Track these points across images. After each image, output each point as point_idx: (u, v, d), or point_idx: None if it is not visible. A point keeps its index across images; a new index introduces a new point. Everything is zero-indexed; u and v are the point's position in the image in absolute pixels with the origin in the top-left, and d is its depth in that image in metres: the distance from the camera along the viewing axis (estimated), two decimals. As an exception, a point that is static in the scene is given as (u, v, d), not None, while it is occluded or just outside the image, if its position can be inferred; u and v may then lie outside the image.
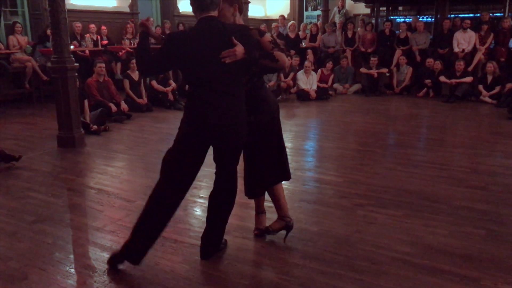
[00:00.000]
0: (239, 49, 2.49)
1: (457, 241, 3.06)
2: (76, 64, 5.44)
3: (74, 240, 3.16)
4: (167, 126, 6.69)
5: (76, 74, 5.54)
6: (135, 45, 2.65)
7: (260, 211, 3.21)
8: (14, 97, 8.53)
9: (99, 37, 9.52)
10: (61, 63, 5.25)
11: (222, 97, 2.59)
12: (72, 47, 5.88)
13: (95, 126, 6.17)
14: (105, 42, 9.66)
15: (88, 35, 9.23)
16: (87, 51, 9.04)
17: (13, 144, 5.51)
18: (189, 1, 2.64)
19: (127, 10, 10.57)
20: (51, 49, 5.69)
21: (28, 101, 8.50)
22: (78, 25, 9.08)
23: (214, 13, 2.60)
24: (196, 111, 2.61)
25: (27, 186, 4.17)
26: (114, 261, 2.74)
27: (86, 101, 6.45)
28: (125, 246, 2.71)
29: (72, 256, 2.93)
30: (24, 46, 8.39)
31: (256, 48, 2.61)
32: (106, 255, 2.86)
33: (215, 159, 2.85)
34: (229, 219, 3.42)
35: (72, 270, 2.75)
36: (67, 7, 5.31)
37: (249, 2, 8.37)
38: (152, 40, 3.35)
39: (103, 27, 9.71)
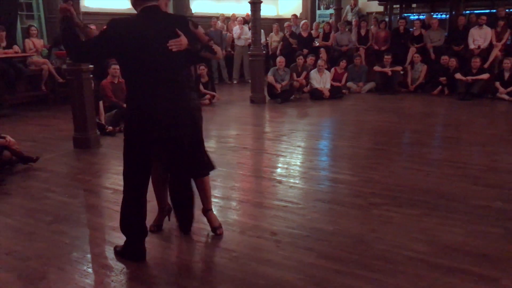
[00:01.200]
0: (184, 39, 2.58)
1: (474, 240, 3.02)
2: (90, 66, 5.51)
3: (91, 240, 3.20)
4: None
5: (91, 76, 5.60)
6: (63, 33, 2.64)
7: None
8: (30, 99, 8.67)
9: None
10: (76, 65, 5.32)
11: (168, 85, 2.61)
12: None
13: (110, 127, 6.23)
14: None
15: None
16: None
17: (30, 145, 5.60)
18: None
19: (140, 11, 10.64)
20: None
21: (44, 103, 8.63)
22: (92, 27, 9.13)
23: (156, 3, 2.62)
24: (142, 101, 2.59)
25: (44, 187, 4.24)
26: (118, 254, 2.88)
27: (101, 103, 6.52)
28: (124, 248, 2.84)
29: (89, 255, 2.97)
30: (40, 49, 8.51)
31: (195, 39, 2.71)
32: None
33: (163, 159, 2.88)
34: (244, 218, 3.46)
35: (90, 270, 2.78)
36: (82, 9, 5.38)
37: (261, 1, 8.36)
38: None
39: (117, 29, 9.79)
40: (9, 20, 8.25)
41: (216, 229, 3.15)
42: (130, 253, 2.83)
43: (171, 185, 3.07)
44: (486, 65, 9.02)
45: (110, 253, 2.95)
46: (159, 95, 2.58)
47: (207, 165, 3.15)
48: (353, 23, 11.45)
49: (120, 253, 2.88)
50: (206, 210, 3.20)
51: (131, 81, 2.65)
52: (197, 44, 2.69)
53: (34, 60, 8.40)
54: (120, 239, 3.09)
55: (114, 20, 2.58)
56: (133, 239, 2.81)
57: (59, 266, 2.80)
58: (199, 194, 3.17)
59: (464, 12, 11.10)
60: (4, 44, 7.82)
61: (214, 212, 3.25)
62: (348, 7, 13.27)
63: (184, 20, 2.73)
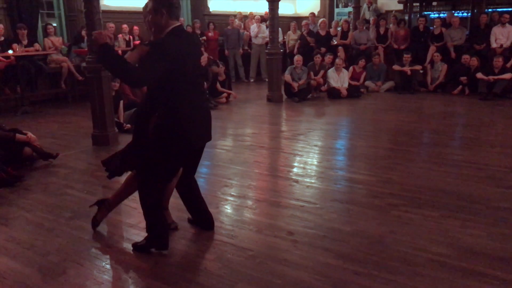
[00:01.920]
0: (205, 57, 2.88)
1: (496, 243, 2.96)
2: (110, 64, 5.55)
3: (109, 237, 3.23)
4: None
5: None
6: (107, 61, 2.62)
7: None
8: (51, 97, 8.82)
9: (131, 37, 9.70)
10: (95, 63, 5.37)
11: (202, 97, 2.97)
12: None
13: (128, 125, 6.29)
14: (138, 42, 9.82)
15: (121, 35, 9.42)
16: (120, 51, 9.21)
17: (50, 142, 5.69)
18: (167, 8, 2.63)
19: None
20: (86, 49, 5.83)
21: (64, 101, 8.77)
22: (111, 25, 9.27)
23: (180, 23, 2.78)
24: (189, 115, 2.74)
25: (64, 183, 4.30)
26: (138, 250, 2.94)
27: (121, 102, 6.58)
28: (147, 240, 2.92)
29: (107, 252, 3.00)
30: (59, 47, 8.63)
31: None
32: (140, 252, 2.93)
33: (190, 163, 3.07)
34: (260, 217, 3.45)
35: (108, 266, 2.81)
36: (101, 8, 5.43)
37: (279, 0, 8.33)
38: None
39: (136, 27, 9.88)
40: (30, 18, 8.39)
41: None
42: (156, 242, 2.90)
43: (182, 189, 3.18)
44: (508, 65, 8.83)
45: (128, 249, 2.97)
46: (199, 106, 2.84)
47: None
48: (371, 21, 11.33)
49: (143, 246, 2.91)
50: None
51: (175, 94, 2.69)
52: (212, 63, 3.02)
53: (54, 58, 8.54)
54: (138, 236, 3.12)
55: (168, 40, 2.63)
56: (160, 231, 2.89)
57: (78, 261, 2.83)
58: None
59: (486, 10, 10.88)
60: (25, 42, 7.96)
61: (230, 210, 3.26)
62: (365, 6, 13.13)
63: (199, 40, 3.01)
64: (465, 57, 9.07)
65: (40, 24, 8.88)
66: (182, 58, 2.64)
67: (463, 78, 8.98)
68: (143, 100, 2.97)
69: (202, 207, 3.23)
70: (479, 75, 8.65)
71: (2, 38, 7.78)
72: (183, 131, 2.71)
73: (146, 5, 2.73)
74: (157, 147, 2.73)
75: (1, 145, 4.43)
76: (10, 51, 7.48)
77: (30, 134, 4.79)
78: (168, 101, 2.70)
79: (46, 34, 8.63)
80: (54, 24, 9.19)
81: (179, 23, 2.73)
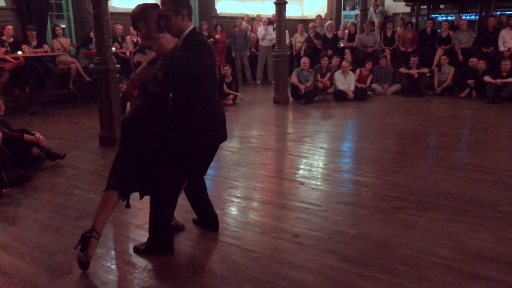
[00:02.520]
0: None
1: (503, 247, 2.94)
2: (118, 65, 5.60)
3: (115, 237, 3.25)
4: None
5: (123, 76, 5.70)
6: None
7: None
8: (59, 97, 8.89)
9: (139, 39, 9.74)
10: (103, 64, 5.42)
11: (218, 104, 3.00)
12: (113, 49, 6.09)
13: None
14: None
15: (128, 37, 9.47)
16: (127, 53, 9.27)
17: (58, 142, 5.73)
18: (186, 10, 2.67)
19: (167, 12, 10.74)
20: (94, 51, 5.88)
21: (72, 101, 8.84)
22: (119, 27, 9.33)
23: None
24: (205, 114, 2.78)
25: (71, 183, 4.33)
26: (139, 253, 2.95)
27: (129, 103, 6.62)
28: (151, 243, 2.93)
29: (113, 252, 3.02)
30: (68, 48, 8.70)
31: None
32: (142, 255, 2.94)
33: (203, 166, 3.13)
34: (266, 219, 3.46)
35: (114, 266, 2.83)
36: (109, 9, 5.47)
37: (286, 2, 8.34)
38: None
39: (144, 29, 9.91)
40: (40, 20, 8.47)
41: None
42: (161, 248, 2.92)
43: (190, 190, 3.17)
44: (516, 68, 8.77)
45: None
46: (215, 105, 2.89)
47: None
48: (376, 24, 11.31)
49: (145, 250, 2.92)
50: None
51: (195, 96, 2.73)
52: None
53: (62, 59, 8.61)
54: (143, 236, 3.13)
55: (205, 42, 2.85)
56: (165, 234, 2.92)
57: (84, 261, 2.85)
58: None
59: (494, 13, 10.82)
60: (34, 43, 8.04)
61: (235, 212, 3.26)
62: (371, 8, 13.11)
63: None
64: (473, 60, 9.03)
65: (49, 26, 8.96)
66: (207, 58, 2.72)
67: (470, 81, 8.94)
68: (139, 106, 2.91)
69: (209, 209, 3.24)
70: (487, 78, 8.60)
71: (12, 40, 7.85)
72: (200, 129, 2.76)
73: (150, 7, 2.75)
74: (175, 148, 2.78)
75: (9, 145, 4.47)
76: (20, 52, 7.56)
77: (38, 134, 4.84)
78: (183, 102, 2.74)
79: (54, 35, 8.71)
80: (63, 26, 9.28)
81: (192, 25, 2.74)
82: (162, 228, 2.92)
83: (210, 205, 3.25)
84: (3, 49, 7.50)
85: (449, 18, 11.62)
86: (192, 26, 2.74)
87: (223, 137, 2.97)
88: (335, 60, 9.56)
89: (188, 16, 2.71)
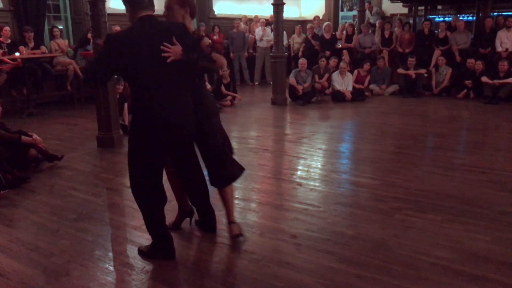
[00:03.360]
0: (177, 48, 2.59)
1: (500, 247, 2.94)
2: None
3: (113, 238, 3.24)
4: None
5: (120, 77, 5.69)
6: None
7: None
8: (56, 99, 8.88)
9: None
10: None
11: (167, 91, 2.64)
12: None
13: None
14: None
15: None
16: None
17: (55, 144, 5.72)
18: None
19: (164, 13, 10.76)
20: (92, 52, 5.87)
21: (69, 103, 8.82)
22: (117, 28, 9.30)
23: (152, 12, 2.67)
24: (147, 111, 2.64)
25: (69, 185, 4.32)
26: (143, 256, 2.92)
27: (126, 104, 6.61)
28: (152, 247, 2.89)
29: (111, 253, 3.01)
30: (65, 49, 8.69)
31: (194, 48, 2.72)
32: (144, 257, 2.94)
33: (175, 162, 2.99)
34: (263, 220, 3.46)
35: (111, 268, 2.82)
36: (107, 11, 5.46)
37: (284, 3, 8.35)
38: None
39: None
40: (37, 21, 8.46)
41: (234, 237, 3.09)
42: (161, 252, 2.88)
43: (186, 184, 3.12)
44: (513, 69, 8.79)
45: (131, 251, 2.99)
46: (161, 102, 2.62)
47: (228, 176, 3.07)
48: (377, 24, 11.33)
49: (148, 253, 2.90)
50: (228, 223, 3.15)
51: (133, 89, 2.72)
52: (193, 54, 2.68)
53: (60, 60, 8.60)
54: (141, 238, 3.13)
55: (110, 36, 2.68)
56: (160, 238, 2.86)
57: (81, 263, 2.85)
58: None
59: (491, 14, 10.86)
60: (32, 44, 8.03)
61: (235, 214, 3.24)
62: (367, 11, 13.11)
63: (182, 29, 2.72)
64: (470, 61, 9.05)
65: (46, 27, 8.95)
66: (128, 54, 2.55)
67: (468, 82, 8.96)
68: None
69: (208, 213, 3.21)
70: (484, 79, 8.62)
71: (9, 41, 7.84)
72: (146, 125, 2.66)
73: None
74: (130, 143, 2.77)
75: (6, 147, 4.45)
76: (17, 54, 7.54)
77: (35, 136, 4.82)
78: (134, 94, 2.74)
79: (52, 36, 8.70)
80: (60, 27, 9.26)
81: (146, 13, 2.63)
82: (153, 230, 2.85)
83: (210, 211, 3.22)
84: (1, 51, 7.49)
85: (446, 19, 11.65)
86: (144, 14, 2.64)
87: (175, 133, 2.72)
88: (332, 61, 9.57)
89: (191, 13, 2.86)
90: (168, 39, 2.59)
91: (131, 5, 2.65)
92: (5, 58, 7.49)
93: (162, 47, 2.56)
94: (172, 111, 2.65)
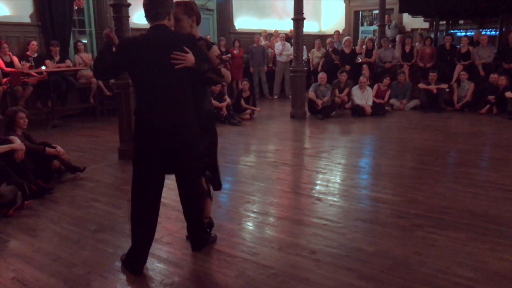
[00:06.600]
0: (190, 57, 2.68)
1: (526, 268, 2.86)
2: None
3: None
4: (222, 140, 6.72)
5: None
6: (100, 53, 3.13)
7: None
8: (79, 111, 9.07)
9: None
10: (123, 79, 5.50)
11: (167, 100, 2.73)
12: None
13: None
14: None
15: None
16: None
17: (78, 155, 5.83)
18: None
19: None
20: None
21: (92, 115, 9.00)
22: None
23: (165, 22, 2.77)
24: (144, 113, 2.76)
25: (90, 196, 4.39)
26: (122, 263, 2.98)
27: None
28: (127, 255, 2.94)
29: (130, 265, 3.03)
30: (89, 63, 8.90)
31: (204, 60, 2.80)
32: (163, 266, 2.96)
33: (173, 171, 3.00)
34: (282, 235, 3.43)
35: (131, 280, 2.84)
36: (130, 26, 5.58)
37: (304, 18, 8.41)
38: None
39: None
40: (63, 35, 8.70)
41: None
42: (129, 263, 2.91)
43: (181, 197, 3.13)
44: (538, 84, 8.63)
45: (150, 264, 3.00)
46: (159, 109, 2.72)
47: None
48: (397, 39, 11.29)
49: (123, 261, 2.97)
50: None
51: (136, 94, 2.86)
52: (205, 65, 2.78)
53: (84, 73, 8.80)
54: (160, 250, 3.15)
55: (122, 40, 2.90)
56: (135, 248, 2.91)
57: (102, 274, 2.88)
58: None
59: (515, 28, 10.70)
60: (57, 58, 8.25)
61: (252, 227, 3.23)
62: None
63: (192, 40, 2.84)
64: (493, 76, 8.91)
65: (71, 41, 9.19)
66: (135, 59, 2.71)
67: (491, 97, 8.81)
68: None
69: (190, 228, 3.15)
70: (508, 94, 8.47)
71: (36, 55, 8.08)
72: (139, 127, 2.80)
73: None
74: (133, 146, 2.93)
75: (31, 158, 4.56)
76: (43, 67, 7.76)
77: (59, 147, 4.93)
78: (136, 101, 2.88)
79: (76, 50, 8.92)
80: (85, 41, 9.49)
81: (158, 23, 2.75)
82: (132, 239, 2.91)
83: (192, 225, 3.12)
84: (28, 64, 7.71)
85: (468, 33, 11.53)
86: (158, 23, 2.77)
87: (158, 145, 2.75)
88: (342, 75, 9.45)
89: (197, 21, 3.03)
90: (178, 48, 2.69)
91: (145, 16, 2.79)
92: (32, 72, 7.71)
93: (173, 54, 2.67)
94: (163, 116, 2.73)
